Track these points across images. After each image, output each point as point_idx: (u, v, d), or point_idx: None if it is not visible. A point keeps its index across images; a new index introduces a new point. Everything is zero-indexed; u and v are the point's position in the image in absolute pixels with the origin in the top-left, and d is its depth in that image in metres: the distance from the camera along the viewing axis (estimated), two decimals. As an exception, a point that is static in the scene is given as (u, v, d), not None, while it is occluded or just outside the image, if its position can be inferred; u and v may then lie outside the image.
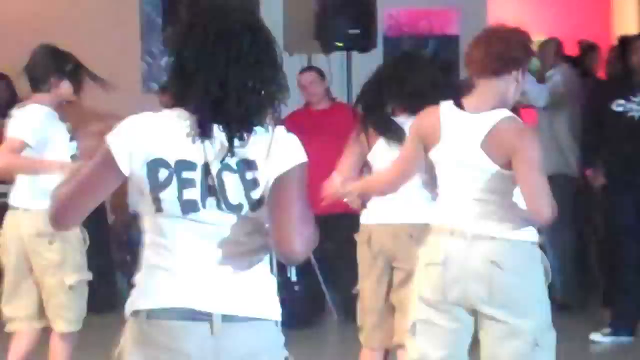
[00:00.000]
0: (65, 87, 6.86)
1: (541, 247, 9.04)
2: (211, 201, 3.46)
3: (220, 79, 3.43)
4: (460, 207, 4.98)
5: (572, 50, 11.50)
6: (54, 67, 6.86)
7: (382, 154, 6.28)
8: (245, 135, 3.43)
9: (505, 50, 4.86)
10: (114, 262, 10.84)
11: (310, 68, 10.16)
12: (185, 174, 3.44)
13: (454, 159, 4.97)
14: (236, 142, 3.41)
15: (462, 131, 4.89)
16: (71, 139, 6.91)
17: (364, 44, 11.07)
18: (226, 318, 3.55)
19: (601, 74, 10.82)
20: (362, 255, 6.20)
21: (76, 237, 6.77)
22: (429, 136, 5.02)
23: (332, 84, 10.55)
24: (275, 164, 3.46)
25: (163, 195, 3.44)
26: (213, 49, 3.45)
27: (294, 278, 9.42)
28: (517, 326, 4.83)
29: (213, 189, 3.46)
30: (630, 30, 12.14)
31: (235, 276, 3.55)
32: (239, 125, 3.44)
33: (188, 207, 3.44)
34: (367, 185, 6.03)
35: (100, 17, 12.01)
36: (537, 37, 12.11)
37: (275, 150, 3.50)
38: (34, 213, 6.59)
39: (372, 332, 6.14)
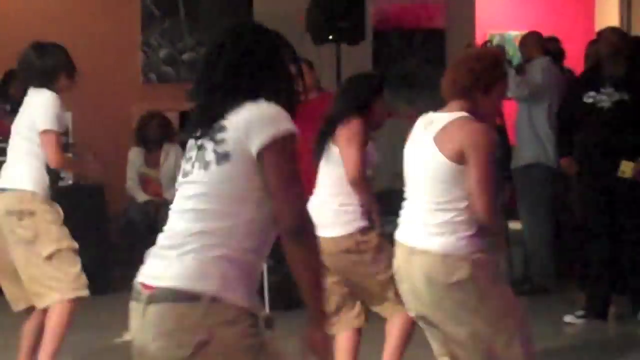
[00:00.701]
0: (64, 80, 6.97)
1: (519, 233, 9.29)
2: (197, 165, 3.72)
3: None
4: (407, 218, 5.12)
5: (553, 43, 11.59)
6: (54, 64, 6.93)
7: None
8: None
9: (455, 79, 5.06)
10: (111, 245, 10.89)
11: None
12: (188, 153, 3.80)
13: (412, 156, 5.12)
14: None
15: (422, 131, 5.05)
16: None
17: (353, 36, 11.10)
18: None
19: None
20: None
21: (48, 211, 6.79)
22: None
23: (322, 75, 10.58)
24: (251, 139, 3.62)
25: None
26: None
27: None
28: (454, 334, 4.99)
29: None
30: (611, 22, 12.24)
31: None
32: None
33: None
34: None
35: (102, 11, 12.10)
36: (519, 31, 12.33)
37: (251, 124, 3.64)
38: (4, 194, 6.76)
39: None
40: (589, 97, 8.77)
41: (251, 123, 3.65)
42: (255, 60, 3.86)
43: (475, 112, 5.01)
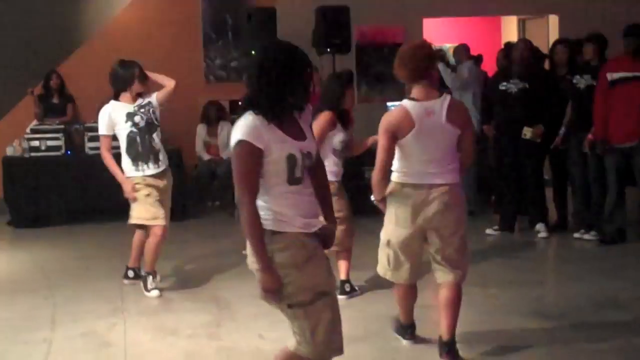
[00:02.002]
0: (137, 85, 6.84)
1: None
2: None
3: None
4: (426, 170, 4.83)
5: (475, 51, 11.58)
6: (128, 76, 6.80)
7: None
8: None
9: (420, 64, 4.78)
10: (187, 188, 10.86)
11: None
12: None
13: (425, 134, 4.77)
14: None
15: (429, 113, 4.76)
16: (126, 121, 6.77)
17: (343, 49, 11.13)
18: None
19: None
20: None
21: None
22: (401, 129, 4.77)
23: (323, 75, 10.42)
24: None
25: None
26: None
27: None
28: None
29: None
30: (512, 39, 12.23)
31: None
32: None
33: None
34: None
35: (177, 35, 12.08)
36: (453, 43, 12.30)
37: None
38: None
39: None
40: (503, 86, 8.79)
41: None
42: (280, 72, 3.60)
43: (436, 87, 4.93)
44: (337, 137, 6.41)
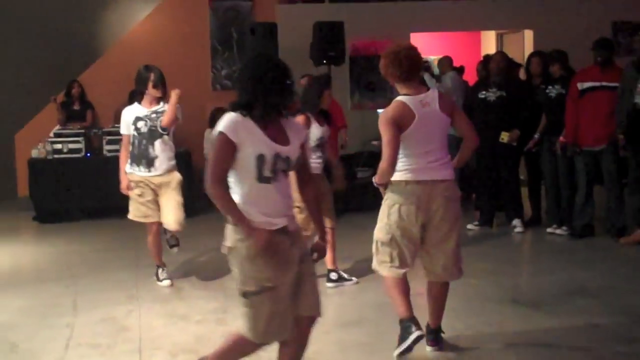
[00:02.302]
0: (152, 90, 6.66)
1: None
2: None
3: None
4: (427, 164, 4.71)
5: (457, 63, 11.62)
6: (144, 80, 6.66)
7: None
8: None
9: (414, 63, 4.71)
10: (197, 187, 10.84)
11: (306, 75, 10.24)
12: None
13: (424, 124, 4.66)
14: None
15: (424, 104, 4.67)
16: (132, 123, 6.68)
17: (337, 61, 11.15)
18: None
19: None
20: None
21: None
22: (404, 120, 4.63)
23: None
24: None
25: None
26: None
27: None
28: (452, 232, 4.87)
29: None
30: (491, 51, 12.24)
31: None
32: None
33: None
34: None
35: (188, 48, 12.12)
36: (437, 55, 12.33)
37: None
38: None
39: None
40: (482, 94, 8.81)
41: None
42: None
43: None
44: (313, 134, 6.46)
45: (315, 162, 6.41)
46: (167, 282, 6.84)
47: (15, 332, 5.62)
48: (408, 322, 4.77)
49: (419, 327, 4.75)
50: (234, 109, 3.74)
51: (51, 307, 6.31)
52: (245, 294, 3.76)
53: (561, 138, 8.26)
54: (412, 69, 4.72)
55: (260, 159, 3.68)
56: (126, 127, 6.76)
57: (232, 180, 3.76)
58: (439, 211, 4.72)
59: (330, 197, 6.68)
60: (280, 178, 3.77)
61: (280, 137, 3.77)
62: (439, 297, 4.97)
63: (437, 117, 4.69)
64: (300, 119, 6.31)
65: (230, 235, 3.76)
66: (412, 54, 4.74)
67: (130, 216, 6.90)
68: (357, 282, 6.76)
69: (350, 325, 5.57)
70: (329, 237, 6.36)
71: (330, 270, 6.74)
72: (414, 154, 4.70)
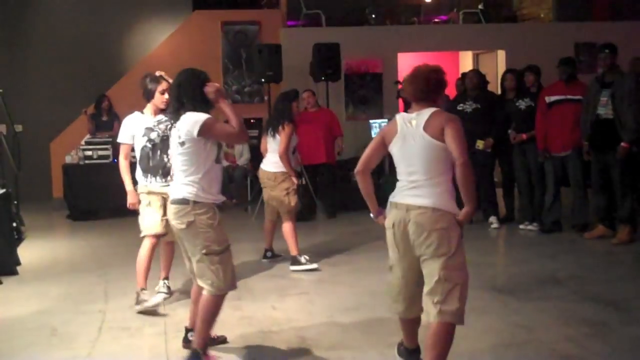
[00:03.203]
0: (156, 100, 5.74)
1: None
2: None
3: None
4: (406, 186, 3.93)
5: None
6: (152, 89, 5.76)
7: None
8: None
9: (426, 87, 3.93)
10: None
11: (307, 90, 10.25)
12: None
13: (405, 141, 3.93)
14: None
15: (410, 124, 3.92)
16: (143, 135, 5.71)
17: (334, 77, 11.15)
18: None
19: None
20: None
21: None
22: (389, 134, 4.01)
23: (319, 98, 10.47)
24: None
25: None
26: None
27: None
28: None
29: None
30: (468, 69, 12.23)
31: None
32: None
33: None
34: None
35: (201, 65, 12.03)
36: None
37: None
38: None
39: None
40: (460, 106, 8.79)
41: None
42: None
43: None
44: (293, 141, 7.03)
45: (293, 162, 7.05)
46: (159, 298, 5.77)
47: (54, 318, 5.58)
48: (407, 352, 4.28)
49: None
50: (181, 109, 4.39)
51: (85, 295, 6.28)
52: (214, 254, 4.26)
53: (524, 135, 8.34)
54: (426, 90, 3.95)
55: (219, 144, 4.45)
56: (130, 136, 5.80)
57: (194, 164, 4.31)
58: (416, 241, 3.85)
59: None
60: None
61: None
62: (428, 345, 3.84)
63: (419, 136, 3.85)
64: (289, 128, 6.89)
65: (188, 214, 4.24)
66: (430, 76, 3.96)
67: (149, 231, 5.76)
68: (318, 269, 6.89)
69: (350, 310, 5.54)
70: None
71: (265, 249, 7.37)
72: (400, 172, 3.99)
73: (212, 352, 4.49)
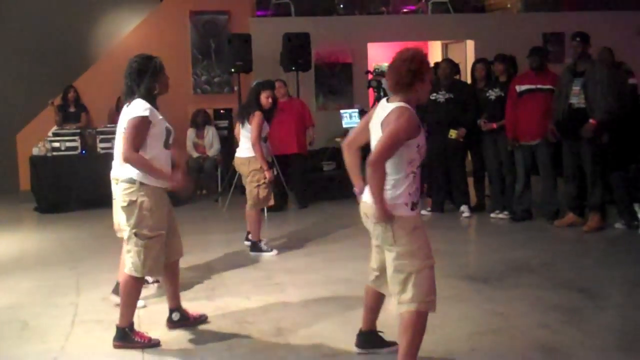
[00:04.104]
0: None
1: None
2: None
3: None
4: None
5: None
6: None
7: None
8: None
9: (399, 80, 3.76)
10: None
11: (278, 79, 10.19)
12: None
13: (372, 133, 3.88)
14: None
15: (377, 115, 3.84)
16: None
17: (304, 67, 11.12)
18: None
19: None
20: None
21: None
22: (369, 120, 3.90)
23: (289, 88, 10.38)
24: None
25: None
26: None
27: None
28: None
29: None
30: (437, 59, 12.29)
31: None
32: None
33: None
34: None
35: (170, 56, 11.89)
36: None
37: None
38: None
39: None
40: (433, 96, 8.71)
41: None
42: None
43: (413, 100, 3.80)
44: (264, 129, 7.09)
45: (265, 151, 7.08)
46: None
47: (24, 312, 5.49)
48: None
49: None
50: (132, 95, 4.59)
51: (56, 288, 6.18)
52: (141, 237, 4.43)
53: (494, 124, 8.39)
54: (399, 82, 3.78)
55: (168, 131, 4.54)
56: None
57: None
58: (371, 229, 3.95)
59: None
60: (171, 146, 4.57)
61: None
62: (399, 329, 3.88)
63: (376, 129, 3.83)
64: (259, 116, 6.97)
65: (132, 193, 4.41)
66: (401, 68, 3.78)
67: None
68: (277, 253, 7.11)
69: (325, 300, 5.53)
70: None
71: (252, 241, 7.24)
72: None
73: (141, 332, 4.71)
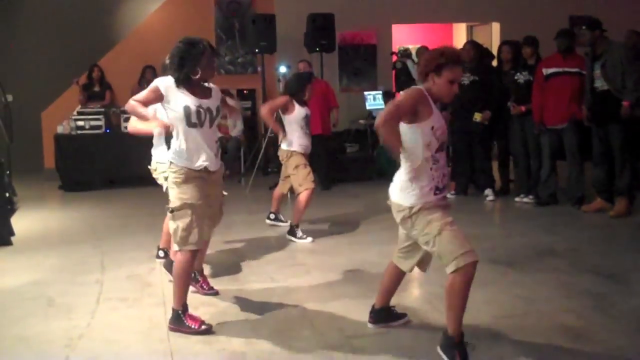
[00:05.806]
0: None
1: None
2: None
3: None
4: None
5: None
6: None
7: None
8: None
9: (419, 69, 3.98)
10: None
11: (303, 60, 10.18)
12: None
13: None
14: None
15: None
16: None
17: (329, 48, 11.10)
18: None
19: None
20: None
21: None
22: None
23: (313, 69, 10.37)
24: None
25: None
26: None
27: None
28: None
29: None
30: (462, 41, 12.18)
31: None
32: None
33: None
34: None
35: (192, 34, 11.91)
36: (415, 45, 12.23)
37: None
38: None
39: None
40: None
41: None
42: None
43: (433, 91, 3.88)
44: (300, 114, 7.00)
45: (301, 141, 7.09)
46: None
47: (50, 288, 5.53)
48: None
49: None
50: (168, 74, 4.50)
51: (81, 265, 6.23)
52: (172, 209, 4.46)
53: (522, 108, 8.30)
54: (420, 72, 3.97)
55: (187, 109, 4.38)
56: None
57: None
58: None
59: (307, 176, 7.05)
60: (206, 124, 4.46)
61: (204, 93, 4.49)
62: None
63: None
64: (283, 98, 7.06)
65: (165, 172, 4.61)
66: (421, 60, 4.03)
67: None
68: (312, 241, 6.95)
69: (349, 282, 5.51)
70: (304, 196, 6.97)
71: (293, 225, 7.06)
72: None
73: (194, 314, 4.58)
